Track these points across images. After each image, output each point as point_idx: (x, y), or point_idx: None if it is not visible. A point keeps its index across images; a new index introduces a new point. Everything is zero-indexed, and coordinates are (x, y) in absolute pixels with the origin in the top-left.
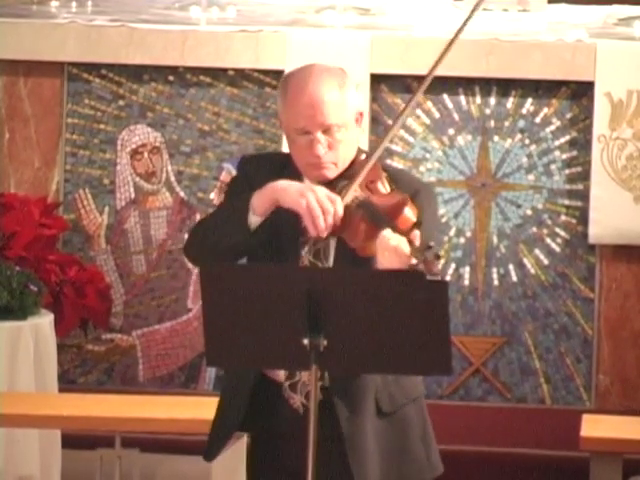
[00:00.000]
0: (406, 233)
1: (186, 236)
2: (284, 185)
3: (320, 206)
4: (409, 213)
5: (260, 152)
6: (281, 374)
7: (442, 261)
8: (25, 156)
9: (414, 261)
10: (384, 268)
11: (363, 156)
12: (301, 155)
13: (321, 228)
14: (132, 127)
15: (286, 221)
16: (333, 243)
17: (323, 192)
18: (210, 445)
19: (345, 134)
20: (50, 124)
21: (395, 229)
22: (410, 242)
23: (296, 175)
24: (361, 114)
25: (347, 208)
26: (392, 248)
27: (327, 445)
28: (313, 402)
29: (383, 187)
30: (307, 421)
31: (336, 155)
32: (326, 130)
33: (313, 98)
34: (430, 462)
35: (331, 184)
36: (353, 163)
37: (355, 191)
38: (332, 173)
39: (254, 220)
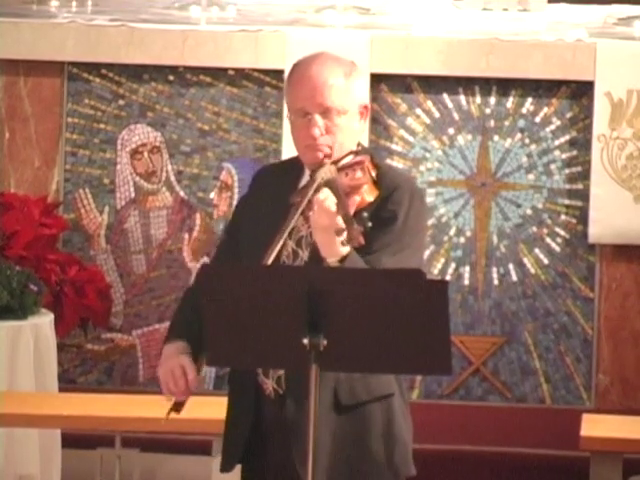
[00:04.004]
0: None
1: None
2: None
3: (171, 380)
4: (366, 193)
5: (278, 161)
6: None
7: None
8: (25, 156)
9: (339, 220)
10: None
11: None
12: (299, 138)
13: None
14: (132, 127)
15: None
16: None
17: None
18: (225, 456)
19: (345, 121)
20: (50, 124)
21: (342, 202)
22: (344, 208)
23: (298, 173)
24: (366, 107)
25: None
26: (324, 207)
27: (284, 433)
28: (313, 400)
29: (362, 175)
30: (279, 407)
31: (332, 139)
32: (325, 113)
33: (314, 79)
34: (391, 463)
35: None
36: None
37: (331, 173)
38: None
39: None
